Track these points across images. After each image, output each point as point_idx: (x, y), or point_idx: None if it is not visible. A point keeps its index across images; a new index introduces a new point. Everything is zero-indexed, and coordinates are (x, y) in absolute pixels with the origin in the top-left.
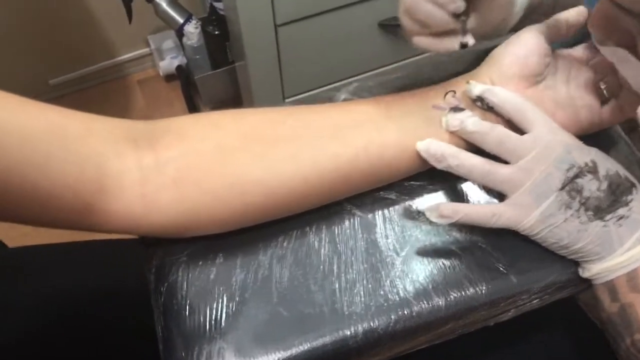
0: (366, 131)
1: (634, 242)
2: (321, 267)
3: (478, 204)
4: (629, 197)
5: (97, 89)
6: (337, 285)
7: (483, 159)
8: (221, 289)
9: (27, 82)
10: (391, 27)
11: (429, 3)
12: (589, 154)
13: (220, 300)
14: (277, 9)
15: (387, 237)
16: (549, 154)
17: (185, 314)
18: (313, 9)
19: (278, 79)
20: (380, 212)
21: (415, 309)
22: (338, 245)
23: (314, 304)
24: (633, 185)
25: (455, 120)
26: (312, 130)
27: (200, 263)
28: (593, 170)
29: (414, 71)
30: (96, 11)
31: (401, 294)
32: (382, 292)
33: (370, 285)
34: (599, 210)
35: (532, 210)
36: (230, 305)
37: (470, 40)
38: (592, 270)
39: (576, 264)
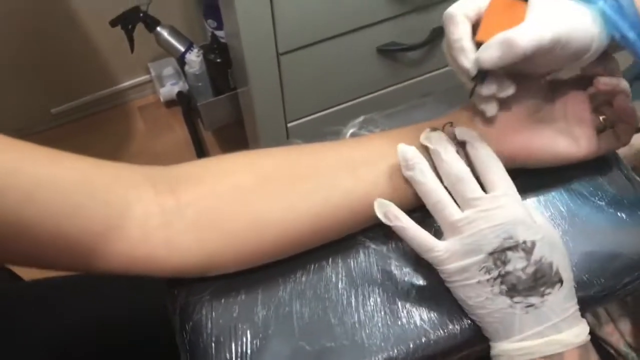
0: (376, 166)
1: (533, 335)
2: (340, 300)
3: (422, 231)
4: (547, 291)
5: (99, 116)
6: (356, 318)
7: (438, 200)
8: (245, 326)
9: (30, 111)
10: (389, 52)
11: (451, 59)
12: (533, 235)
13: (245, 337)
14: (280, 38)
15: (401, 268)
16: (496, 218)
17: (212, 352)
18: (314, 37)
19: (280, 104)
20: (393, 243)
21: (432, 337)
22: (355, 278)
23: (334, 337)
24: (559, 283)
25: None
26: (325, 168)
27: (223, 301)
28: (528, 250)
29: (419, 102)
30: (97, 40)
31: (418, 323)
32: (399, 323)
33: (387, 316)
34: (513, 289)
35: (456, 259)
36: (255, 341)
37: (488, 111)
38: (493, 350)
39: (583, 288)
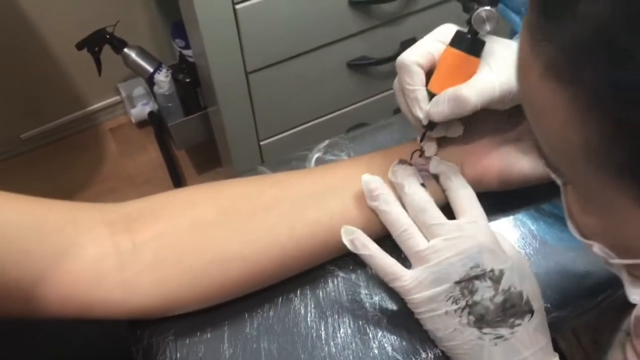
0: (343, 196)
1: None
2: (309, 334)
3: (391, 258)
4: (517, 322)
5: (70, 139)
6: (326, 351)
7: (403, 225)
8: None
9: None
10: (360, 67)
11: (404, 104)
12: (501, 263)
13: None
14: (247, 57)
15: (371, 296)
16: (462, 246)
17: None
18: (283, 54)
19: (252, 122)
20: (362, 270)
21: None
22: (324, 310)
23: None
24: (529, 313)
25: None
26: (290, 199)
27: (188, 341)
28: (495, 279)
29: (384, 124)
30: (64, 63)
31: (390, 353)
32: (371, 354)
33: (359, 348)
34: (481, 320)
35: (423, 288)
36: None
37: (427, 151)
38: None
39: (557, 308)
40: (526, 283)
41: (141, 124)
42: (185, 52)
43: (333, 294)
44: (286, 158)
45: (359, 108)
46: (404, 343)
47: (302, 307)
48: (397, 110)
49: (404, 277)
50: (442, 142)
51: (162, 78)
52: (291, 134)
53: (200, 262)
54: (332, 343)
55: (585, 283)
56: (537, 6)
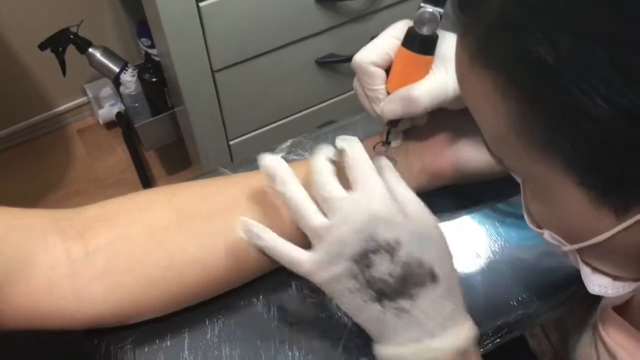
0: None
1: (407, 340)
2: (273, 339)
3: (289, 244)
4: (417, 291)
5: (37, 141)
6: (290, 356)
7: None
8: None
9: None
10: (328, 64)
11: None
12: (398, 233)
13: None
14: (213, 55)
15: None
16: (356, 219)
17: None
18: (250, 52)
19: (220, 122)
20: None
21: None
22: (287, 312)
23: None
24: (432, 280)
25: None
26: (248, 200)
27: (147, 349)
28: (391, 250)
29: (347, 122)
30: (29, 64)
31: (354, 356)
32: (337, 358)
33: (324, 351)
34: (382, 295)
35: (324, 269)
36: None
37: (394, 142)
38: (374, 351)
39: (524, 306)
40: (429, 249)
41: (109, 125)
42: (151, 51)
43: (296, 296)
44: (250, 159)
45: (329, 106)
46: (370, 344)
47: (264, 312)
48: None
49: (304, 262)
50: (404, 136)
51: (129, 78)
52: (261, 133)
53: (156, 268)
54: (295, 347)
55: (551, 279)
56: (455, 3)
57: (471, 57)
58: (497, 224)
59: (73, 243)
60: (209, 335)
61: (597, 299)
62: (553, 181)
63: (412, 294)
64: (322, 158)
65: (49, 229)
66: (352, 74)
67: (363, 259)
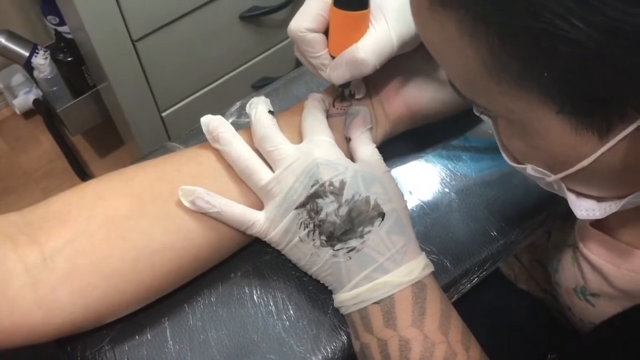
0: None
1: (362, 279)
2: (259, 312)
3: (239, 206)
4: (367, 229)
5: None
6: (279, 327)
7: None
8: None
9: None
10: (252, 18)
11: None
12: (341, 173)
13: None
14: (131, 24)
15: None
16: (300, 167)
17: None
18: (169, 16)
19: (149, 94)
20: None
21: None
22: (269, 283)
23: (261, 354)
24: (379, 216)
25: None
26: (209, 174)
27: (127, 347)
28: (336, 191)
29: (296, 75)
30: None
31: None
32: (328, 319)
33: (314, 315)
34: (332, 237)
35: (276, 224)
36: None
37: (358, 93)
38: (334, 302)
39: (504, 234)
40: (374, 186)
41: (27, 114)
42: (61, 29)
43: (275, 265)
44: (198, 128)
45: (260, 62)
46: None
47: (245, 286)
48: (300, 62)
49: (258, 222)
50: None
51: (41, 61)
52: (193, 100)
53: (124, 262)
54: (284, 317)
55: (524, 205)
56: None
57: (431, 1)
58: (455, 161)
59: (26, 250)
60: (191, 320)
61: (574, 218)
62: (532, 114)
63: (361, 232)
64: (261, 109)
65: None
66: (278, 25)
67: (312, 205)
